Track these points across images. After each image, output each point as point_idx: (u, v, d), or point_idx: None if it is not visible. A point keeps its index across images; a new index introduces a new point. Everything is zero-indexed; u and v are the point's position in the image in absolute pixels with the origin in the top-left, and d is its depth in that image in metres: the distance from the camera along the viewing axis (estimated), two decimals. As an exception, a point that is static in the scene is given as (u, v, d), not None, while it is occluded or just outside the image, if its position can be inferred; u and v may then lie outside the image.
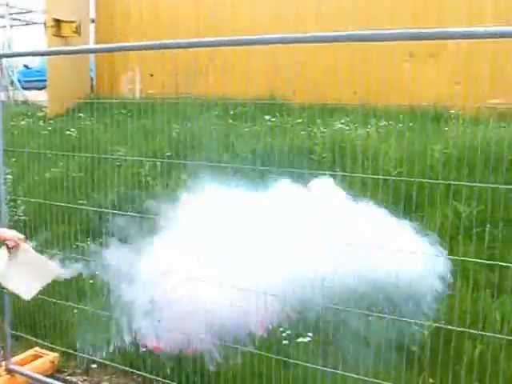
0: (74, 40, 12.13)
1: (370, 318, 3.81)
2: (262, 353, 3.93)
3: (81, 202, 5.95)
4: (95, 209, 5.54)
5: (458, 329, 3.49)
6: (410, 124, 6.19)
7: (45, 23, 12.66)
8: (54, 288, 5.10)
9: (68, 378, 4.88)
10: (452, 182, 3.05)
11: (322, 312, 3.83)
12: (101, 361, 4.66)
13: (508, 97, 7.91)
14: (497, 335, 4.04)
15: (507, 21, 7.61)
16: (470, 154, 5.34)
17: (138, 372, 4.47)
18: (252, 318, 3.94)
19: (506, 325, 4.34)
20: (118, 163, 6.90)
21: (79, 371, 4.93)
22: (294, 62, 8.42)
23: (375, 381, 3.67)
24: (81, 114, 8.59)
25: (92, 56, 13.27)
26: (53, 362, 4.95)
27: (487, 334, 4.06)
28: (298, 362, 3.87)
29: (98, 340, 4.74)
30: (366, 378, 3.71)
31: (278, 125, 6.72)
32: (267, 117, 7.24)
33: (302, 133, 6.55)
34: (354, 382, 3.75)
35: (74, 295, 5.29)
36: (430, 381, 4.00)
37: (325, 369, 3.75)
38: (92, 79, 13.89)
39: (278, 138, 6.11)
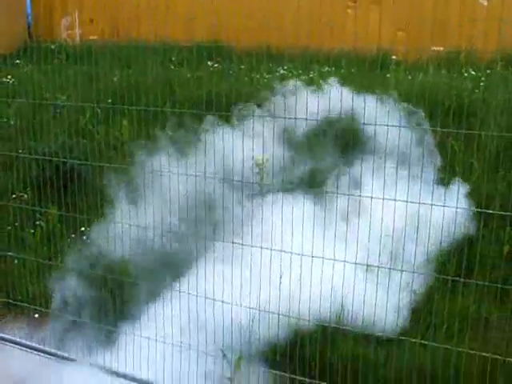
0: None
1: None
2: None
3: (20, 151, 5.80)
4: (36, 156, 5.37)
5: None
6: (352, 70, 6.22)
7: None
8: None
9: (7, 326, 4.83)
10: (387, 125, 3.08)
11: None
12: (42, 310, 4.61)
13: (449, 44, 7.99)
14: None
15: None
16: (411, 99, 5.41)
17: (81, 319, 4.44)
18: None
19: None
20: (57, 110, 6.74)
21: (19, 321, 4.87)
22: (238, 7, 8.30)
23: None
24: (18, 61, 8.31)
25: (28, 0, 12.73)
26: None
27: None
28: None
29: (39, 289, 4.70)
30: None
31: (221, 71, 6.64)
32: (210, 63, 7.14)
33: (245, 79, 6.50)
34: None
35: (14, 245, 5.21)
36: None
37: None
38: (29, 24, 13.35)
39: (220, 84, 6.04)
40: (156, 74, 6.65)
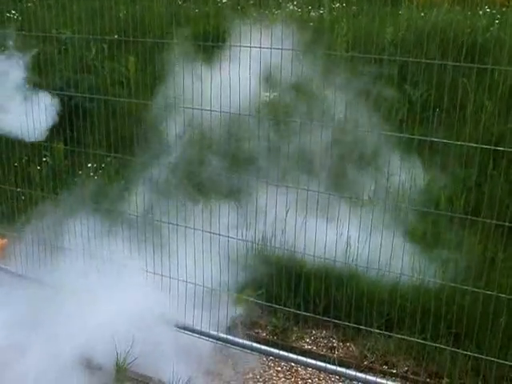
0: None
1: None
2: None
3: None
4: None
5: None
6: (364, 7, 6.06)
7: None
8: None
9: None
10: (398, 58, 3.01)
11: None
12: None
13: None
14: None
15: None
16: (422, 36, 5.26)
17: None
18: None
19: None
20: (63, 47, 6.63)
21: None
22: None
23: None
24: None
25: None
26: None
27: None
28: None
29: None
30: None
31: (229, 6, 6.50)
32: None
33: (254, 15, 6.34)
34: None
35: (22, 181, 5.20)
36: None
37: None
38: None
39: (227, 19, 5.91)
40: (163, 9, 6.52)
